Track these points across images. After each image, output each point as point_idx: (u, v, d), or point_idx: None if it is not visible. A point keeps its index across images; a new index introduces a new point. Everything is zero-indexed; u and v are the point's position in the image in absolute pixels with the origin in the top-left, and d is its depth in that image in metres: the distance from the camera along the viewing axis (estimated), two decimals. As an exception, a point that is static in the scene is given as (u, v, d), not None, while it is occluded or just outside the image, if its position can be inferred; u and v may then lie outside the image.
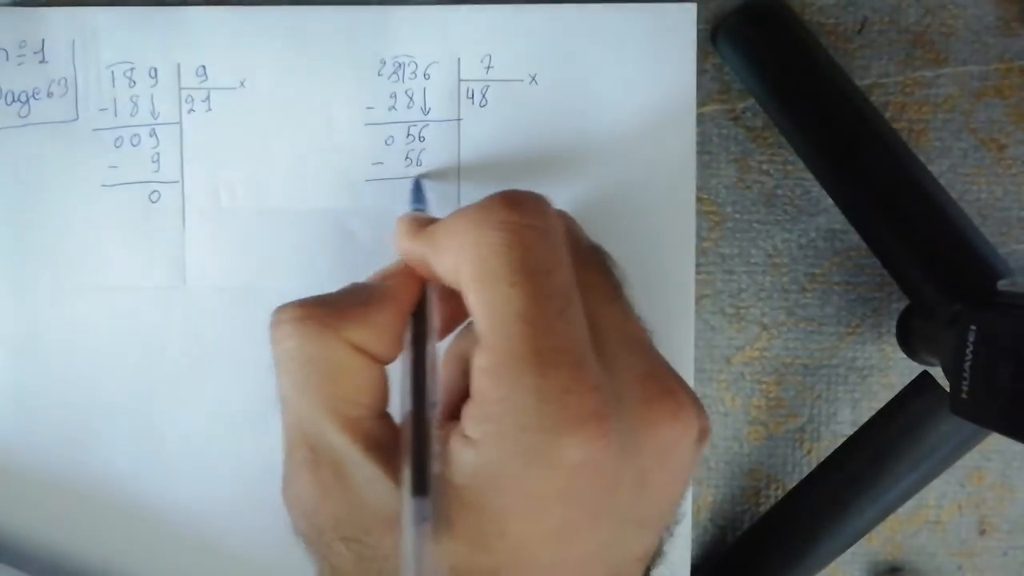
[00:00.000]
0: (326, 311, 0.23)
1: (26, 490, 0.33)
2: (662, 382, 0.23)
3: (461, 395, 0.23)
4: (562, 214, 0.24)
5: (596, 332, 0.22)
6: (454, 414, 0.23)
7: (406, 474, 0.21)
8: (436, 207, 0.31)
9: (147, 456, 0.33)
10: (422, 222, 0.25)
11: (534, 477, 0.20)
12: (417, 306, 0.25)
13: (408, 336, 0.24)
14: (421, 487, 0.21)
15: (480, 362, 0.21)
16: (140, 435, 0.33)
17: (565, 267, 0.22)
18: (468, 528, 0.21)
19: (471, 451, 0.21)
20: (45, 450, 0.33)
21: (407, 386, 0.23)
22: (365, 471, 0.22)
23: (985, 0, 0.33)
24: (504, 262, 0.21)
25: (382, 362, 0.24)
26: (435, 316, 0.25)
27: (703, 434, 0.23)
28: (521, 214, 0.22)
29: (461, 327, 0.26)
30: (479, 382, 0.21)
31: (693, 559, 0.34)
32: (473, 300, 0.22)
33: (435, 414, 0.22)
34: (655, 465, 0.22)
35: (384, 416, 0.23)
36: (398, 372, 0.24)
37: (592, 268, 0.24)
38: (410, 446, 0.22)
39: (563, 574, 0.22)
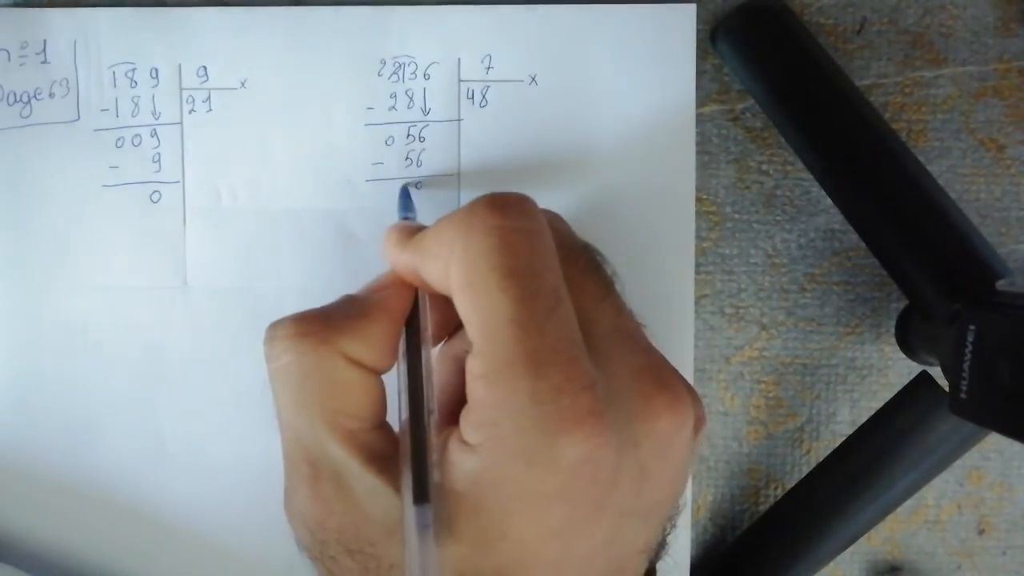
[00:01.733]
0: (321, 326, 0.23)
1: (26, 490, 0.33)
2: (657, 375, 0.23)
3: (457, 396, 0.23)
4: (548, 213, 0.24)
5: (588, 329, 0.22)
6: (452, 416, 0.23)
7: (406, 482, 0.22)
8: (435, 209, 0.31)
9: (147, 455, 0.33)
10: (410, 231, 0.25)
11: (534, 478, 0.21)
12: (410, 314, 0.25)
13: (402, 345, 0.24)
14: (422, 495, 0.21)
15: (474, 368, 0.21)
16: (140, 434, 0.33)
17: (553, 267, 0.22)
18: (470, 531, 0.21)
19: (471, 456, 0.21)
20: (45, 449, 0.33)
21: (404, 395, 0.23)
22: (366, 483, 0.22)
23: (984, 1, 0.33)
24: (492, 267, 0.21)
25: (378, 373, 0.24)
26: (428, 323, 0.25)
27: (700, 423, 0.23)
28: (506, 217, 0.22)
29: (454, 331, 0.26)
30: (474, 388, 0.21)
31: (692, 559, 0.34)
32: (464, 307, 0.22)
33: (433, 421, 0.23)
34: (654, 457, 0.22)
35: (383, 427, 0.24)
36: (395, 381, 0.24)
37: (581, 266, 0.24)
38: (409, 455, 0.22)
39: (567, 571, 0.22)
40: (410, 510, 0.21)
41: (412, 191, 0.32)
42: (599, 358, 0.22)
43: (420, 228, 0.25)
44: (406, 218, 0.30)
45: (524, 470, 0.21)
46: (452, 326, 0.26)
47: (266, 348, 0.24)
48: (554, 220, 0.25)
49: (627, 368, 0.22)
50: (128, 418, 0.33)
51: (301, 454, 0.23)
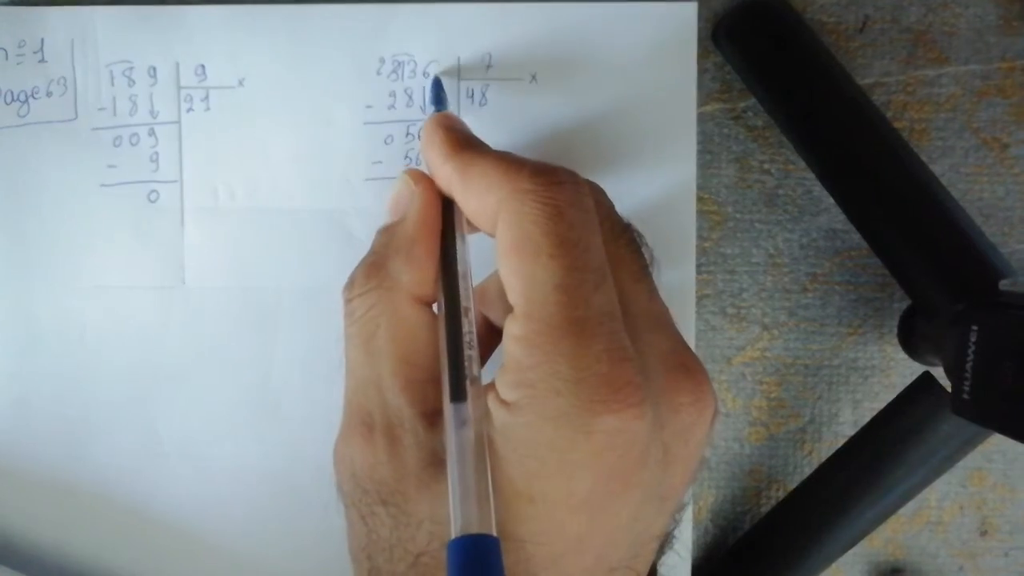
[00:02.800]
0: (385, 273, 0.24)
1: (24, 490, 0.33)
2: (684, 361, 0.23)
3: (484, 345, 0.24)
4: (593, 186, 0.25)
5: (623, 308, 0.23)
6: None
7: (444, 380, 0.22)
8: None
9: (145, 455, 0.33)
10: (456, 141, 0.25)
11: (565, 442, 0.21)
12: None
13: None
14: (458, 392, 0.22)
15: (514, 330, 0.22)
16: (138, 434, 0.33)
17: (600, 245, 0.22)
18: (501, 487, 0.21)
19: (504, 411, 0.21)
20: (43, 449, 0.33)
21: (440, 293, 0.24)
22: (415, 435, 0.23)
23: (987, -1, 0.33)
24: (544, 233, 0.22)
25: (432, 300, 0.25)
26: (463, 222, 0.25)
27: (715, 415, 0.24)
28: (563, 189, 0.22)
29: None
30: (513, 349, 0.22)
31: (694, 560, 0.34)
32: (510, 269, 0.22)
33: (471, 319, 0.23)
34: (677, 441, 0.22)
35: (437, 380, 0.24)
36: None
37: (622, 244, 0.24)
38: (446, 351, 0.23)
39: (590, 548, 0.22)
40: (448, 408, 0.22)
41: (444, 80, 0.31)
42: (631, 337, 0.22)
43: (466, 139, 0.26)
44: (439, 111, 0.29)
45: (556, 431, 0.21)
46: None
47: (344, 310, 0.25)
48: (598, 194, 0.25)
49: (657, 350, 0.23)
50: (125, 418, 0.33)
51: (361, 401, 0.24)
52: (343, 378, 0.25)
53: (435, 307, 0.25)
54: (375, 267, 0.25)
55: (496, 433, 0.21)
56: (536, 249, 0.22)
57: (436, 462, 0.22)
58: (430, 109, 0.29)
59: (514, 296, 0.22)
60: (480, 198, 0.23)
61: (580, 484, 0.21)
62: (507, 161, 0.23)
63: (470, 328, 0.23)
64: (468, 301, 0.24)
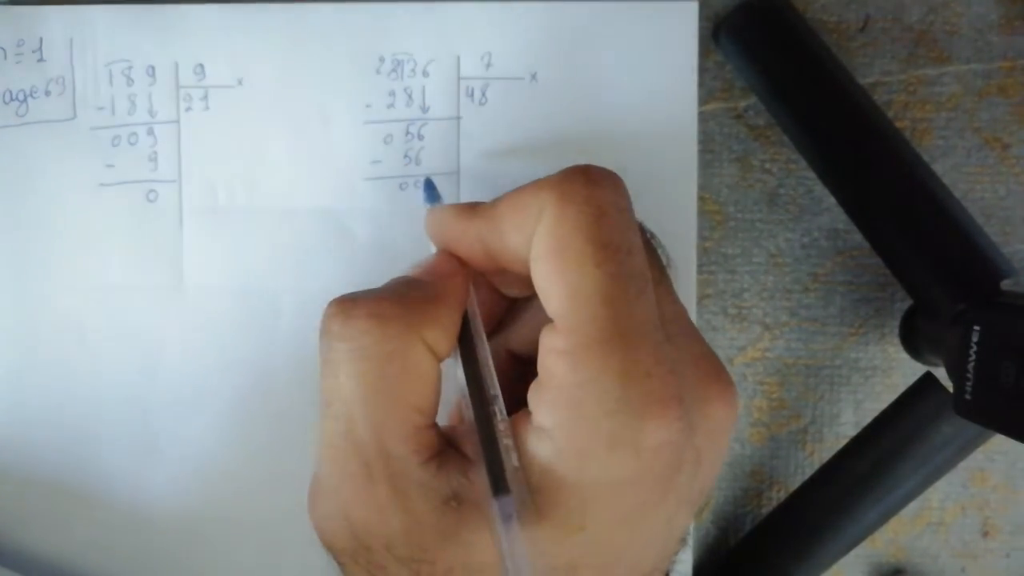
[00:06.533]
0: (403, 309, 0.22)
1: (23, 490, 0.33)
2: (712, 363, 0.23)
3: (503, 374, 0.23)
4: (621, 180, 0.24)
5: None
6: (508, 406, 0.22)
7: (483, 475, 0.21)
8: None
9: (144, 455, 0.33)
10: (470, 206, 0.24)
11: (616, 462, 0.20)
12: None
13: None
14: (501, 486, 0.20)
15: (556, 343, 0.21)
16: (137, 435, 0.32)
17: (640, 247, 0.22)
18: (548, 525, 0.20)
19: (546, 441, 0.20)
20: (41, 450, 0.33)
21: (465, 383, 0.22)
22: (423, 484, 0.21)
23: (989, -2, 0.33)
24: (588, 239, 0.20)
25: (442, 360, 0.23)
26: (477, 310, 0.24)
27: (737, 417, 0.23)
28: (603, 191, 0.21)
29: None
30: (555, 364, 0.21)
31: (695, 561, 0.34)
32: (550, 279, 0.21)
33: (500, 407, 0.22)
34: (707, 443, 0.22)
35: (436, 425, 0.23)
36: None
37: (647, 247, 0.23)
38: (481, 445, 0.21)
39: (629, 556, 0.21)
40: (492, 503, 0.20)
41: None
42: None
43: (478, 204, 0.24)
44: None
45: (608, 453, 0.20)
46: (495, 321, 0.26)
47: (335, 326, 0.22)
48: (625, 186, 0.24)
49: (688, 354, 0.22)
50: (124, 417, 0.32)
51: (354, 448, 0.21)
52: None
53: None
54: (399, 301, 0.22)
55: (538, 470, 0.20)
56: (580, 257, 0.20)
57: (451, 510, 0.21)
58: (426, 207, 0.28)
59: (554, 305, 0.21)
60: (516, 229, 0.22)
61: (628, 501, 0.21)
62: (543, 181, 0.22)
63: (502, 416, 0.22)
64: (495, 388, 0.22)
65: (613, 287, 0.20)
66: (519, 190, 0.22)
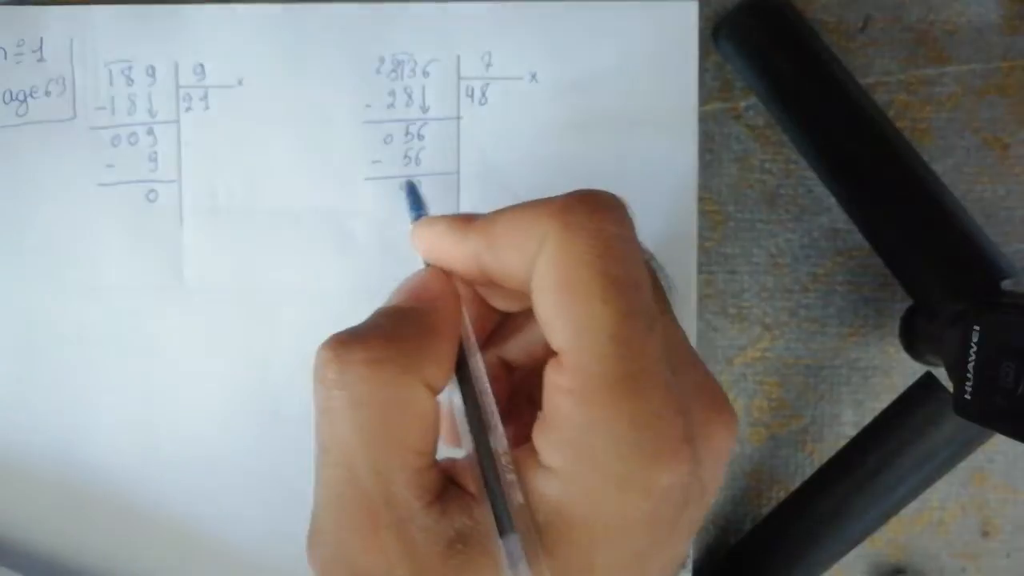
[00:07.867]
0: (397, 351, 0.21)
1: (22, 490, 0.33)
2: (713, 392, 0.22)
3: (497, 382, 0.22)
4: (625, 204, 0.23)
5: None
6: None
7: (488, 515, 0.20)
8: (434, 208, 0.31)
9: (144, 454, 0.33)
10: (464, 220, 0.23)
11: (627, 505, 0.20)
12: None
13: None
14: (507, 525, 0.20)
15: (562, 382, 0.20)
16: (137, 434, 0.32)
17: (647, 280, 0.21)
18: (554, 567, 0.20)
19: (553, 481, 0.20)
20: (42, 449, 0.33)
21: (464, 414, 0.22)
22: (428, 530, 0.21)
23: (989, -2, 0.33)
24: (595, 274, 0.20)
25: (438, 392, 0.22)
26: (471, 334, 0.23)
27: (735, 441, 0.23)
28: (609, 221, 0.20)
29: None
30: (561, 403, 0.20)
31: (695, 561, 0.34)
32: (555, 312, 0.20)
33: (501, 438, 0.21)
34: (711, 474, 0.21)
35: (436, 464, 0.22)
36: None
37: (650, 276, 0.23)
38: (485, 486, 0.21)
39: None
40: (499, 543, 0.20)
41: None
42: None
43: (473, 216, 0.23)
44: (420, 216, 0.27)
45: (618, 496, 0.20)
46: (486, 335, 0.25)
47: (331, 373, 0.21)
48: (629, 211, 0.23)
49: (691, 384, 0.21)
50: (124, 417, 0.32)
51: (356, 496, 0.21)
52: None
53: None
54: (392, 342, 0.21)
55: (545, 509, 0.20)
56: (587, 292, 0.20)
57: (457, 552, 0.20)
58: (410, 216, 0.27)
59: (559, 340, 0.20)
60: (516, 250, 0.21)
61: (637, 541, 0.20)
62: (543, 203, 0.21)
63: (505, 450, 0.21)
64: (495, 417, 0.22)
65: (621, 325, 0.20)
66: (518, 209, 0.22)
